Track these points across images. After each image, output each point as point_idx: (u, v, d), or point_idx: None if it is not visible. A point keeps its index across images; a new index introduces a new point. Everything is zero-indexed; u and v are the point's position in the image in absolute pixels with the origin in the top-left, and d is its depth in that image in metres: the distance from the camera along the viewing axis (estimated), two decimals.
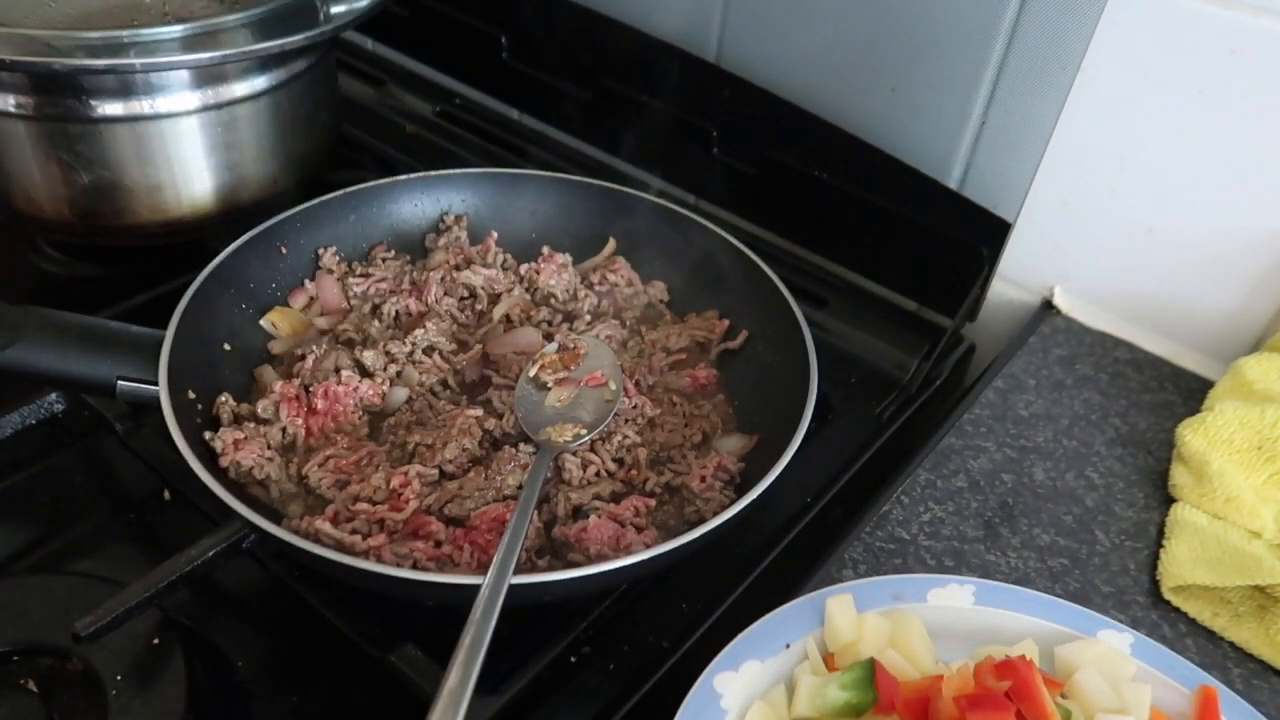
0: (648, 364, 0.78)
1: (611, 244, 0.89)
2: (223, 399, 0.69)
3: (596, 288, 0.85)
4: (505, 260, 0.87)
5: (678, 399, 0.75)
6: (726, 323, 0.82)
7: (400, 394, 0.73)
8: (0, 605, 0.57)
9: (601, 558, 0.60)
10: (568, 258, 0.87)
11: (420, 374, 0.74)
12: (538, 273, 0.85)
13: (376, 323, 0.79)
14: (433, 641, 0.58)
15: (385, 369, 0.74)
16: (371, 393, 0.72)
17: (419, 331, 0.76)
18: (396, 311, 0.80)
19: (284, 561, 0.62)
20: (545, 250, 0.87)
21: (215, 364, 0.72)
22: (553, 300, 0.85)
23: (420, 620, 0.60)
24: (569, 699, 0.59)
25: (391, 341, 0.76)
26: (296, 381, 0.72)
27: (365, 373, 0.74)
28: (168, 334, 0.65)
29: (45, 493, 0.70)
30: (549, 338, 0.78)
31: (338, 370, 0.73)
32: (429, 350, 0.76)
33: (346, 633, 0.59)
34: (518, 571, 0.53)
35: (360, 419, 0.71)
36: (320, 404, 0.70)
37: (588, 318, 0.82)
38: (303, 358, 0.74)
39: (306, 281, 0.82)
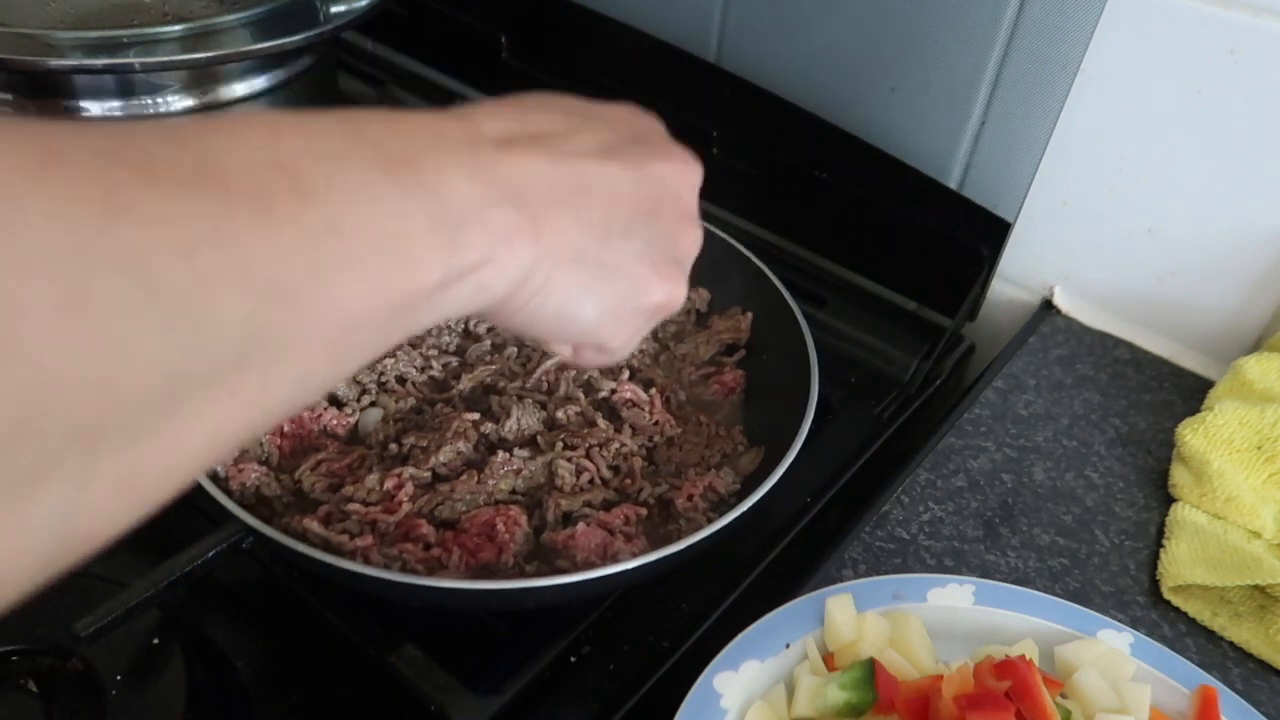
0: (677, 377, 0.77)
1: None
2: None
3: None
4: None
5: (705, 419, 0.74)
6: (750, 315, 0.81)
7: (374, 415, 0.71)
8: None
9: (588, 565, 0.59)
10: None
11: (395, 401, 0.72)
12: None
13: None
14: (433, 641, 0.58)
15: (358, 399, 0.72)
16: (336, 422, 0.70)
17: (388, 360, 0.74)
18: None
19: (283, 562, 0.62)
20: None
21: None
22: None
23: (420, 620, 0.60)
24: (569, 699, 0.59)
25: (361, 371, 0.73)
26: None
27: (337, 403, 0.72)
28: None
29: None
30: None
31: None
32: (400, 380, 0.74)
33: (346, 633, 0.59)
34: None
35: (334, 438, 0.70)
36: (286, 428, 0.69)
37: None
38: None
39: None
